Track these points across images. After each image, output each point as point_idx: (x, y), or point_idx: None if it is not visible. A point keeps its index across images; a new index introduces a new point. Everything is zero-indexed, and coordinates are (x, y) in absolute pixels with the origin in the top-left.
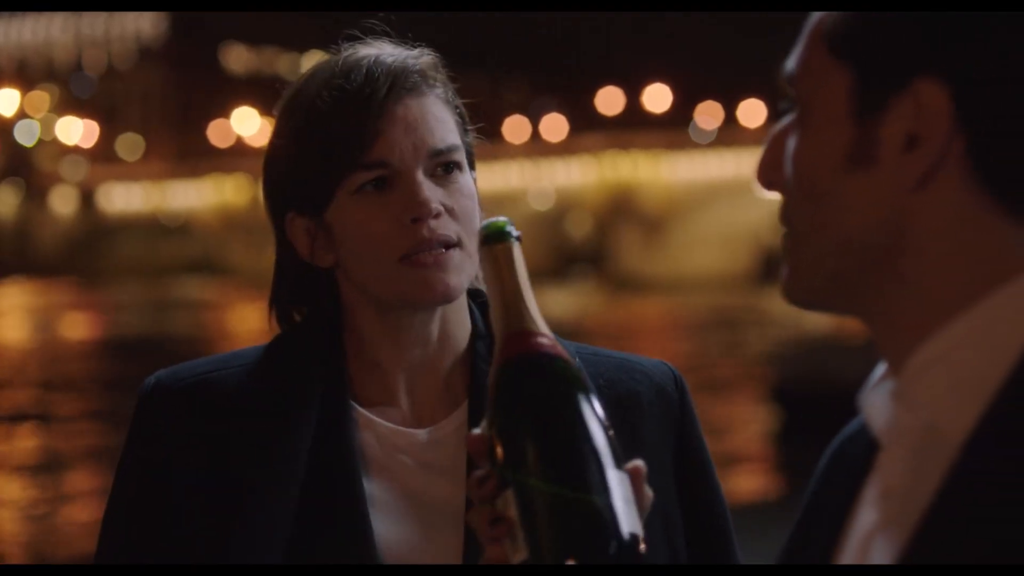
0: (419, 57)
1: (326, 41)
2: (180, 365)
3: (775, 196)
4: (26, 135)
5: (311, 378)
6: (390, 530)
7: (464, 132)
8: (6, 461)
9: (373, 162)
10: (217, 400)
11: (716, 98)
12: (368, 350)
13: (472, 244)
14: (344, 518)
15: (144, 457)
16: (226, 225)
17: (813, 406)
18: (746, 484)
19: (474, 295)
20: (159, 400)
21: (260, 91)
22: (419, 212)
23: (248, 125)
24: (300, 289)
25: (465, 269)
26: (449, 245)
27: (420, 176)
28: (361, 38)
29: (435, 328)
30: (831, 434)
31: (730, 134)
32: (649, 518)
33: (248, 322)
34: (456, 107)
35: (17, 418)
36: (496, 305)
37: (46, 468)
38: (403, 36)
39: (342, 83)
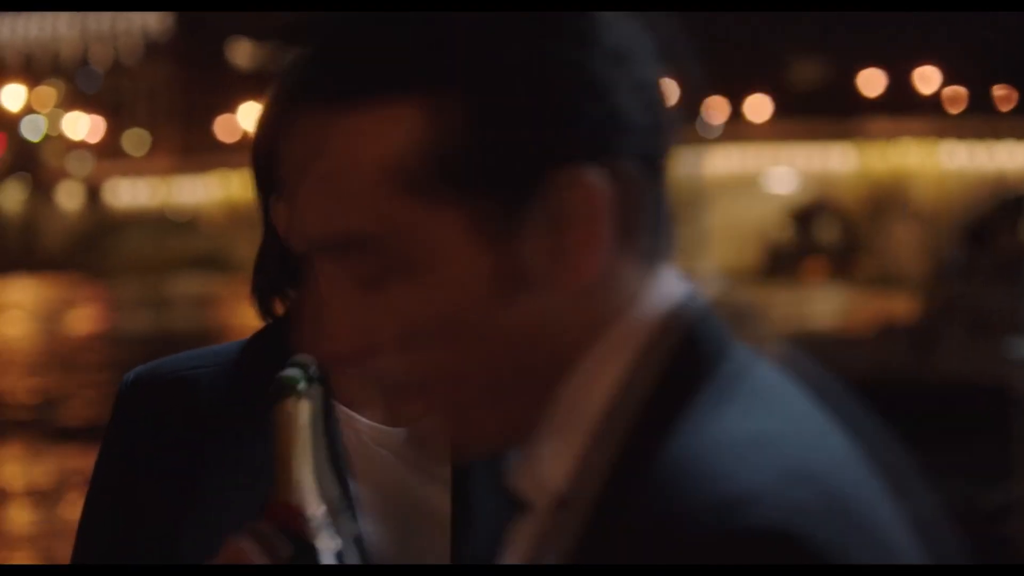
0: None
1: None
2: (160, 360)
3: (786, 192)
4: (32, 130)
5: None
6: (375, 529)
7: None
8: (8, 459)
9: None
10: (194, 398)
11: (721, 93)
12: None
13: None
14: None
15: (119, 454)
16: (232, 220)
17: (820, 399)
18: None
19: None
20: (136, 398)
21: (266, 86)
22: None
23: (254, 120)
24: (279, 276)
25: None
26: None
27: None
28: None
29: None
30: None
31: (736, 129)
32: None
33: (254, 320)
34: None
35: (19, 415)
36: (274, 462)
37: (48, 469)
38: None
39: None
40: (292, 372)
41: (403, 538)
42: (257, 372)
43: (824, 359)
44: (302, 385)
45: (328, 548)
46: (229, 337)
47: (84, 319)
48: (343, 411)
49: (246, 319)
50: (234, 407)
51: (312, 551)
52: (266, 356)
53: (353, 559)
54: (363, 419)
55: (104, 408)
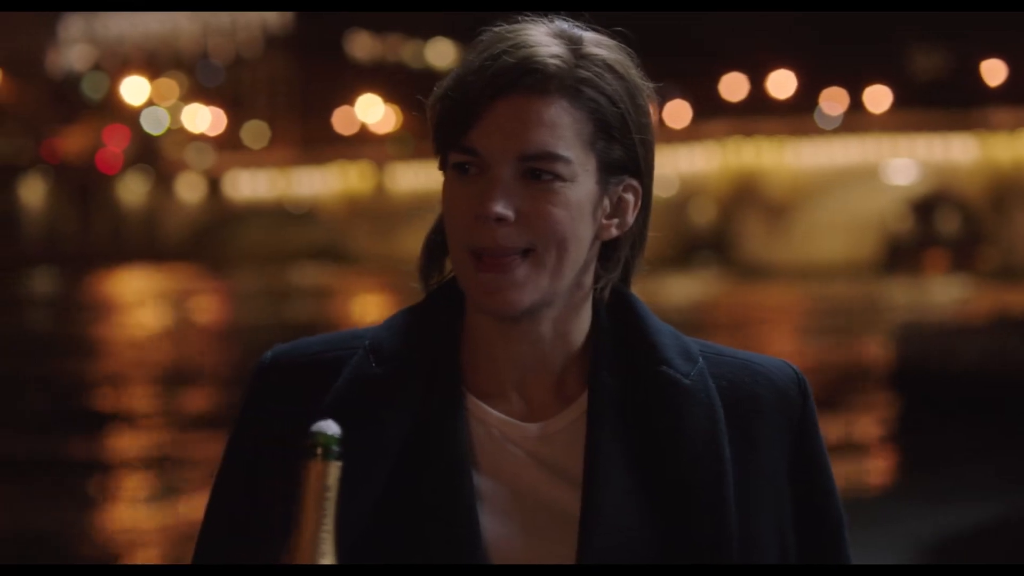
0: (557, 56)
1: (450, 28)
2: (298, 342)
3: (906, 183)
4: (153, 123)
5: (422, 366)
6: (497, 527)
7: (597, 143)
8: (130, 453)
9: (465, 146)
10: (327, 383)
11: (841, 84)
12: (480, 340)
13: (548, 254)
14: (449, 511)
15: (253, 434)
16: (350, 212)
17: (936, 390)
18: (869, 468)
19: (620, 295)
20: (274, 378)
21: (384, 78)
22: (483, 211)
23: (372, 112)
24: (439, 242)
25: (531, 279)
26: (512, 252)
27: (502, 175)
28: (543, 14)
29: (548, 326)
30: (954, 417)
31: (855, 120)
32: (763, 519)
33: (372, 312)
34: (596, 113)
35: (140, 408)
36: (293, 518)
37: (169, 461)
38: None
39: (472, 59)
40: (324, 434)
41: (527, 536)
42: (398, 357)
43: (941, 349)
44: (332, 447)
45: None
46: (346, 328)
47: (203, 309)
48: (474, 403)
49: (363, 310)
50: (372, 391)
51: None
52: (407, 340)
53: None
54: (495, 412)
55: (221, 399)
